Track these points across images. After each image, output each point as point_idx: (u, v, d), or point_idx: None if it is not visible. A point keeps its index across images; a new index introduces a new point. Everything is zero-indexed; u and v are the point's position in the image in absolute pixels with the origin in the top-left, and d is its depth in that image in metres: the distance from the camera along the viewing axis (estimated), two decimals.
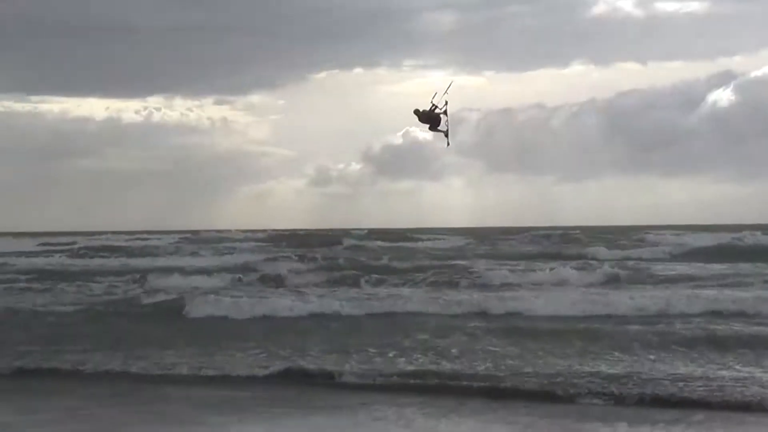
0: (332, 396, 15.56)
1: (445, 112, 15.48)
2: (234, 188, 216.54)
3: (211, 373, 17.50)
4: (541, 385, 15.45)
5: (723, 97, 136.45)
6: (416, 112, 15.68)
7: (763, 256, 46.53)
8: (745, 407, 13.88)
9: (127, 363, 18.45)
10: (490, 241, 74.99)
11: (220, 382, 16.90)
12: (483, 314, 25.78)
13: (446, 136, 15.89)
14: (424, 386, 15.92)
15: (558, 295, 28.67)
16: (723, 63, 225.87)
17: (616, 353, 18.42)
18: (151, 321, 25.24)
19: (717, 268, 39.74)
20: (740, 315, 24.15)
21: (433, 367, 17.41)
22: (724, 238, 61.99)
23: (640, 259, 49.83)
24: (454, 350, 19.21)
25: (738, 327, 21.59)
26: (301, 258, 51.46)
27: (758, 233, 71.11)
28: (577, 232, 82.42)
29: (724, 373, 16.23)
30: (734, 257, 47.08)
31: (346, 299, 28.31)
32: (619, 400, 14.52)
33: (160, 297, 29.83)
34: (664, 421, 13.19)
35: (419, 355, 18.73)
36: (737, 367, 16.93)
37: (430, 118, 15.67)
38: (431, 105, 15.56)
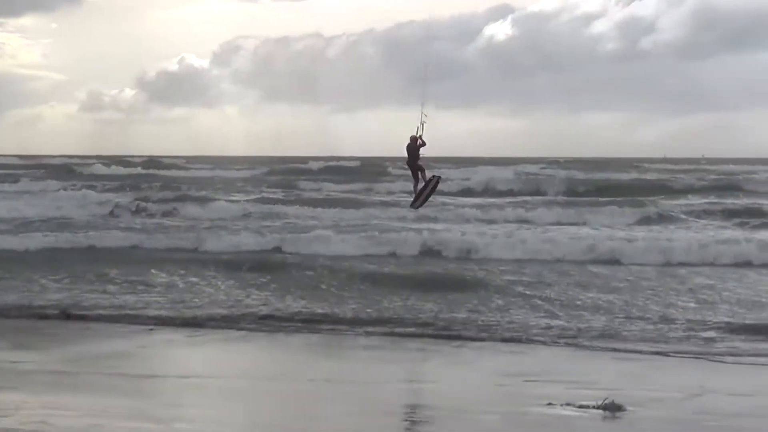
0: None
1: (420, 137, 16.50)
2: (2, 112, 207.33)
3: None
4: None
5: (500, 30, 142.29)
6: (412, 138, 16.49)
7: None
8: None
9: None
10: (260, 172, 74.84)
11: None
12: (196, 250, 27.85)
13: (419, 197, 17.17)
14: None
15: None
16: None
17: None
18: None
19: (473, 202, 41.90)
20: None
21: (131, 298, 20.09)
22: (496, 171, 63.42)
23: (389, 192, 51.29)
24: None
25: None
26: (62, 187, 51.65)
27: (530, 167, 73.03)
28: (349, 162, 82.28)
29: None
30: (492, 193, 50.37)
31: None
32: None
33: None
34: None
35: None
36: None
37: (414, 152, 16.66)
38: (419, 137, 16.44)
